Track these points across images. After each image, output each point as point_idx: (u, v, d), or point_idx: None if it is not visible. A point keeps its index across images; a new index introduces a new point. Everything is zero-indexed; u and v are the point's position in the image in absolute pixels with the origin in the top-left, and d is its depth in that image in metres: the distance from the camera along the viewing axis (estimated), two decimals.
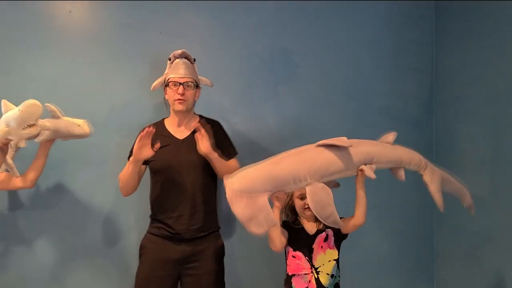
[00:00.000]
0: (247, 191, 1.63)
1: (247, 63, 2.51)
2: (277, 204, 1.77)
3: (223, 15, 2.47)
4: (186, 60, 2.04)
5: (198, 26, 2.44)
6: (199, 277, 1.99)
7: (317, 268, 1.89)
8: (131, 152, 2.01)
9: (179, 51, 2.04)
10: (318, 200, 1.66)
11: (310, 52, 2.63)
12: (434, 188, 1.97)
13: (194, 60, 2.09)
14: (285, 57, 2.59)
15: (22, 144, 1.80)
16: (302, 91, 2.61)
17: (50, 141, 1.92)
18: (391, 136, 1.93)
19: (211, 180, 2.06)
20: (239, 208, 1.63)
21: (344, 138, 1.75)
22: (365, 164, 1.79)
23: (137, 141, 1.87)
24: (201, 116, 2.13)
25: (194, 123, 2.05)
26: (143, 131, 1.87)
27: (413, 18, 2.84)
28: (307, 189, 1.67)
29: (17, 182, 1.92)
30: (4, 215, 2.12)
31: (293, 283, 1.91)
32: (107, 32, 2.30)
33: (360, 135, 2.67)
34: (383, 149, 1.86)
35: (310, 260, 1.90)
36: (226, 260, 2.09)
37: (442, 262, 2.74)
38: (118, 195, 2.08)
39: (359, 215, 1.87)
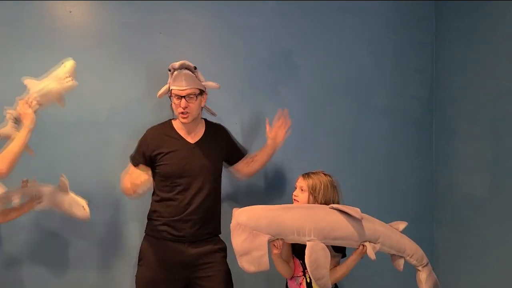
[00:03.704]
0: (251, 226, 1.65)
1: (247, 63, 2.51)
2: (275, 251, 1.76)
3: (223, 15, 2.47)
4: (186, 71, 1.95)
5: (198, 26, 2.44)
6: (212, 278, 1.97)
7: None
8: (132, 157, 2.02)
9: (177, 64, 1.94)
10: (316, 259, 1.66)
11: (310, 52, 2.63)
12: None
13: (195, 68, 1.99)
14: (285, 57, 2.59)
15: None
16: (302, 91, 2.61)
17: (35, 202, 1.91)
18: (401, 225, 1.91)
19: (218, 186, 2.08)
20: (238, 239, 1.65)
21: (358, 210, 1.75)
22: (369, 242, 1.77)
23: None
24: (205, 120, 2.13)
25: (202, 127, 2.06)
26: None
27: (413, 18, 2.84)
28: (308, 244, 1.67)
29: None
30: None
31: (288, 284, 1.96)
32: (107, 32, 2.30)
33: (360, 135, 2.71)
34: (391, 233, 1.84)
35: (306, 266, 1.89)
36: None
37: (442, 262, 2.73)
38: (117, 195, 2.08)
39: (333, 279, 1.81)
